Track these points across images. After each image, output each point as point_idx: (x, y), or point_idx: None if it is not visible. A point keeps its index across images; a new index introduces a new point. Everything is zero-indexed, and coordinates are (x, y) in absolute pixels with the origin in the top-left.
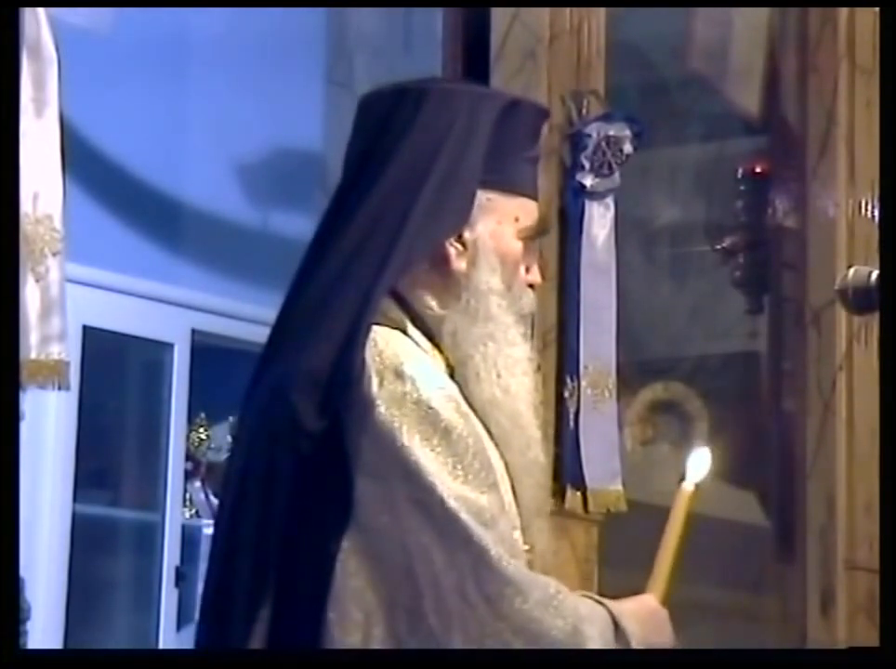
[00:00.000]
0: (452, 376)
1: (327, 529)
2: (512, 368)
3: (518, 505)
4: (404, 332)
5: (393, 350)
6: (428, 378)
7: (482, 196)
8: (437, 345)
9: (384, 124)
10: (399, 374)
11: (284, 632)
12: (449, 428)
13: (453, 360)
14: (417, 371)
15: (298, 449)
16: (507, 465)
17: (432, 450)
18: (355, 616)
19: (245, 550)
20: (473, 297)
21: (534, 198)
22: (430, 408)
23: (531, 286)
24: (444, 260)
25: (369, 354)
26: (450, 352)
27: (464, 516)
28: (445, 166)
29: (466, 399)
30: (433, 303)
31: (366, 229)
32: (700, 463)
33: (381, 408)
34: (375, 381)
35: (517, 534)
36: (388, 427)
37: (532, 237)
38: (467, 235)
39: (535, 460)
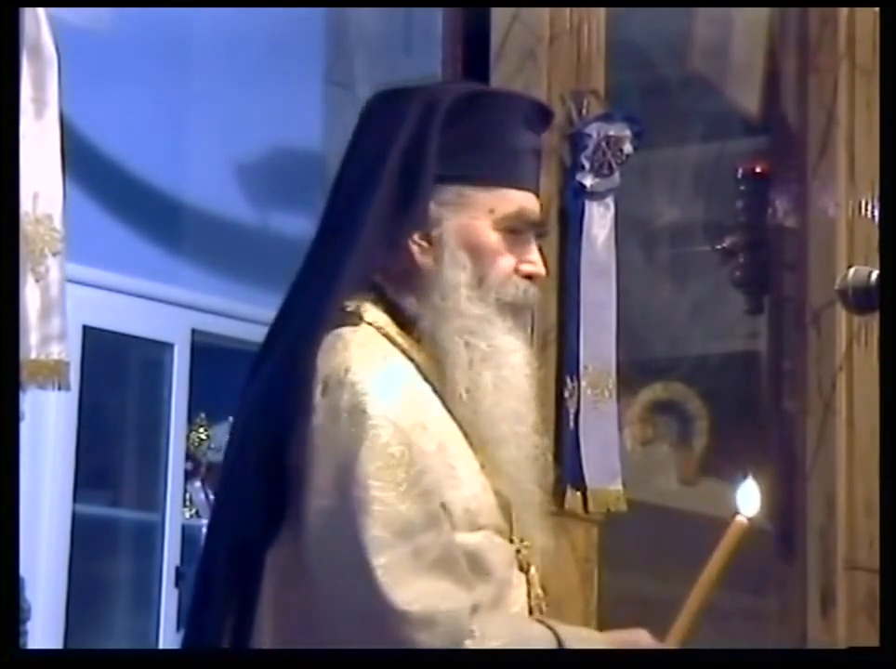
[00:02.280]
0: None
1: (267, 539)
2: (489, 362)
3: (502, 502)
4: (385, 333)
5: (348, 355)
6: (371, 385)
7: (452, 192)
8: (421, 344)
9: (360, 129)
10: (339, 382)
11: (241, 636)
12: (376, 436)
13: (434, 357)
14: (364, 377)
15: (261, 454)
16: (484, 463)
17: (357, 459)
18: (272, 627)
19: (221, 553)
20: (441, 294)
21: (517, 187)
22: (363, 414)
23: (528, 277)
24: (411, 259)
25: (323, 359)
26: (430, 350)
27: (373, 531)
28: (398, 167)
29: (443, 397)
30: (413, 302)
31: (333, 231)
32: (750, 496)
33: (318, 416)
34: (318, 388)
35: (475, 537)
36: (320, 436)
37: (512, 227)
38: (434, 232)
39: (513, 456)
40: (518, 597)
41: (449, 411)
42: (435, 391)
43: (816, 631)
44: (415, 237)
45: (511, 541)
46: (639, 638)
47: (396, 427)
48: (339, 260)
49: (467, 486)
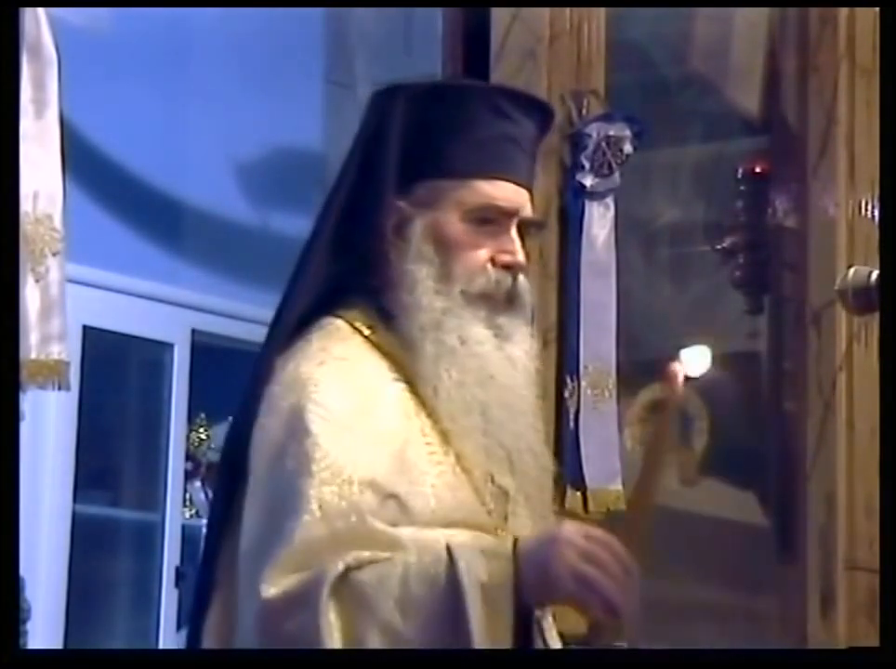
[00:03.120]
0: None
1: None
2: (456, 355)
3: (494, 495)
4: (365, 334)
5: (307, 359)
6: (318, 388)
7: (422, 187)
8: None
9: None
10: (289, 384)
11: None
12: (306, 435)
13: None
14: (313, 380)
15: (227, 453)
16: (459, 455)
17: (286, 453)
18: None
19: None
20: (407, 289)
21: (488, 177)
22: (302, 413)
23: (507, 267)
24: (387, 258)
25: (284, 364)
26: (407, 348)
27: (289, 523)
28: (358, 167)
29: (417, 394)
30: (392, 300)
31: (315, 232)
32: (699, 356)
33: (264, 416)
34: (276, 390)
35: (431, 534)
36: (260, 433)
37: (484, 218)
38: (407, 230)
39: (485, 446)
40: None
41: (424, 407)
42: (413, 390)
43: (816, 631)
44: (391, 237)
45: (504, 536)
46: (549, 535)
47: (329, 426)
48: (312, 261)
49: (428, 485)
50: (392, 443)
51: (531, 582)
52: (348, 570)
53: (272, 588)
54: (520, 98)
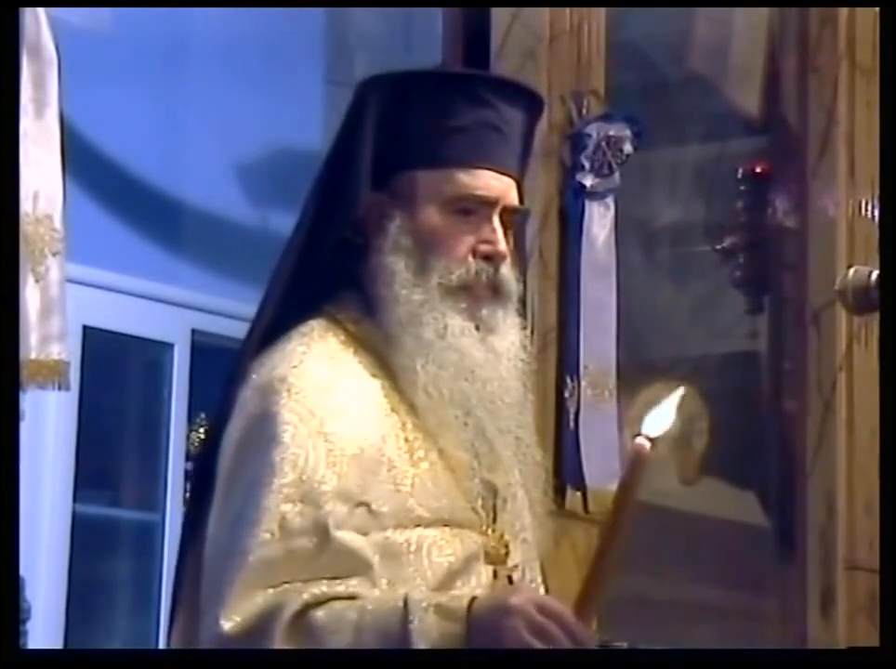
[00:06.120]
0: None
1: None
2: (433, 348)
3: (483, 492)
4: (350, 330)
5: (284, 358)
6: (290, 390)
7: (401, 179)
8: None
9: None
10: (263, 385)
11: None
12: (277, 442)
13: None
14: (286, 381)
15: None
16: (442, 451)
17: (250, 459)
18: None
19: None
20: (384, 283)
21: (466, 166)
22: (271, 417)
23: (488, 258)
24: (367, 252)
25: (262, 363)
26: (389, 343)
27: (254, 529)
28: (337, 163)
29: (398, 390)
30: (375, 295)
31: (298, 224)
32: (660, 417)
33: (234, 418)
34: (248, 393)
35: (405, 535)
36: (229, 435)
37: (464, 208)
38: (386, 223)
39: (467, 441)
40: (471, 591)
41: (404, 403)
42: (393, 386)
43: (816, 631)
44: (371, 231)
45: (491, 533)
46: (501, 600)
47: (300, 432)
48: (294, 257)
49: (407, 483)
50: (369, 444)
51: (481, 647)
52: (306, 606)
53: (230, 621)
54: (499, 85)
